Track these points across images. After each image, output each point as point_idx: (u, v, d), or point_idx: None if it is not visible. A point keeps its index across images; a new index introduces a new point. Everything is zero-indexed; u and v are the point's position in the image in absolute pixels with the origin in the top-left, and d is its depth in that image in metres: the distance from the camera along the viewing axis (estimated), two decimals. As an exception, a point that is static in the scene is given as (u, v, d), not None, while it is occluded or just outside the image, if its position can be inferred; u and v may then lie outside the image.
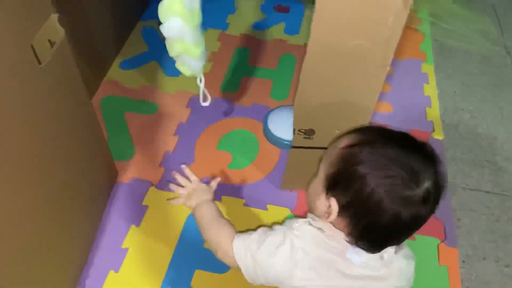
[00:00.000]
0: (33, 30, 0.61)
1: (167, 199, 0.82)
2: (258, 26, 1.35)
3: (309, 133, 0.82)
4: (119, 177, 0.95)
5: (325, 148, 0.84)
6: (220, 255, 0.64)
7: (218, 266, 0.74)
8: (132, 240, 0.86)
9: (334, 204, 0.55)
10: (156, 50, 1.24)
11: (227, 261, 0.63)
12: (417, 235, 0.88)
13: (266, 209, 0.92)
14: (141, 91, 1.14)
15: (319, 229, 0.57)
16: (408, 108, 1.14)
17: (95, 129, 0.85)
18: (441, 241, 0.88)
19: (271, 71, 1.21)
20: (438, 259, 0.86)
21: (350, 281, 0.55)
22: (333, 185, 0.56)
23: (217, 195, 0.92)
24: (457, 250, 0.87)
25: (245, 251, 0.60)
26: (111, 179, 0.94)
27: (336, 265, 0.55)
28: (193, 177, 0.80)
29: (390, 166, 0.51)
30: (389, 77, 1.21)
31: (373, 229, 0.54)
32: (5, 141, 0.60)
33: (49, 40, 0.66)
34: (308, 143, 0.84)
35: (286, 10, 1.42)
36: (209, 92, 0.78)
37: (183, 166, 0.81)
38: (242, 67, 1.22)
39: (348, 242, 0.55)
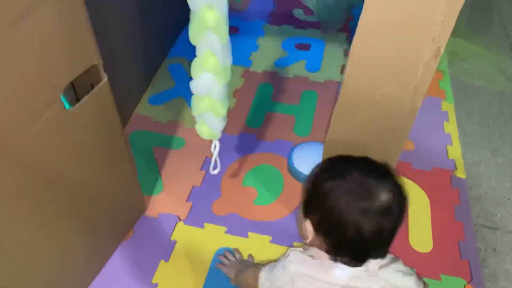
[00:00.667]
0: (76, 70, 0.65)
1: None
2: (280, 63, 1.39)
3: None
4: (147, 212, 0.98)
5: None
6: None
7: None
8: (162, 275, 0.87)
9: (308, 225, 0.61)
10: (183, 86, 1.29)
11: None
12: (443, 275, 0.89)
13: (292, 246, 0.93)
14: (169, 126, 1.17)
15: (310, 256, 0.62)
16: (429, 146, 1.16)
17: (128, 165, 0.88)
18: (468, 282, 0.88)
19: (294, 107, 1.25)
20: (465, 302, 0.86)
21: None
22: (307, 209, 0.62)
23: (244, 232, 0.94)
24: (483, 291, 0.87)
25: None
26: (138, 213, 0.97)
27: (323, 278, 0.61)
28: (237, 255, 0.90)
29: (349, 183, 0.57)
30: (409, 115, 1.24)
31: (343, 243, 0.59)
32: (42, 168, 0.64)
33: (91, 83, 0.71)
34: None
35: (307, 48, 1.47)
36: (234, 127, 0.81)
37: (231, 249, 0.91)
38: (266, 103, 1.26)
39: (331, 260, 0.60)
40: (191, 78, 0.75)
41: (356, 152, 0.80)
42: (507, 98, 1.33)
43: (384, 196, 0.56)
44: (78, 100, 0.68)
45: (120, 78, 1.13)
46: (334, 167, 0.62)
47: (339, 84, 1.32)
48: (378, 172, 0.59)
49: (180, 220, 0.96)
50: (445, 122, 1.23)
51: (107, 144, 0.80)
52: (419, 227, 0.98)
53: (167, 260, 0.90)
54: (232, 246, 0.92)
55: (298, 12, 1.63)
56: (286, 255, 0.65)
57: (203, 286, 0.86)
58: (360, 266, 0.60)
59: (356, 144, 0.78)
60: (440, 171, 1.10)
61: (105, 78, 0.72)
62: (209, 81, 0.69)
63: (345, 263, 0.60)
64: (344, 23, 1.53)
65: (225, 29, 0.63)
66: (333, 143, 0.79)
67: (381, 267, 0.60)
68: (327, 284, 0.61)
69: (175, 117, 1.20)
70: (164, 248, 0.91)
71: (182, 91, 1.27)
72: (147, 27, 1.23)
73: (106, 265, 0.88)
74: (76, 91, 0.74)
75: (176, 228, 0.95)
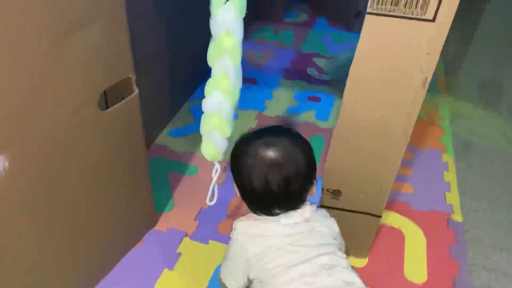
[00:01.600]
0: (113, 78, 0.77)
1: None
2: (292, 111, 1.51)
3: (336, 193, 0.91)
4: (157, 226, 1.04)
5: (351, 211, 0.93)
6: None
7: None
8: (165, 282, 0.92)
9: (237, 192, 0.75)
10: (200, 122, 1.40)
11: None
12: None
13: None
14: (185, 155, 1.27)
15: (250, 218, 0.74)
16: (428, 191, 1.22)
17: (144, 178, 0.97)
18: (460, 314, 0.90)
19: (302, 148, 1.34)
20: (457, 331, 0.87)
21: (284, 237, 0.70)
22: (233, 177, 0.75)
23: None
24: (475, 325, 0.89)
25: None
26: (148, 226, 1.03)
27: (269, 233, 0.71)
28: None
29: (249, 146, 0.72)
30: (410, 163, 1.31)
31: (253, 199, 0.73)
32: (68, 170, 0.73)
33: (123, 96, 0.82)
34: (335, 203, 0.92)
35: (317, 100, 1.59)
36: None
37: None
38: (276, 144, 1.35)
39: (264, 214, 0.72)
40: None
41: (353, 175, 0.87)
42: (506, 157, 1.40)
43: (272, 154, 0.70)
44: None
45: (146, 109, 1.26)
46: (244, 138, 0.75)
47: (345, 132, 1.42)
48: (277, 134, 0.74)
49: (186, 235, 1.02)
50: (444, 172, 1.30)
51: (130, 153, 0.89)
52: (414, 260, 1.01)
53: (171, 269, 0.95)
54: (233, 262, 0.97)
55: (311, 71, 1.78)
56: (233, 229, 0.74)
57: (202, 296, 0.90)
58: (276, 216, 0.72)
59: (354, 166, 0.86)
60: (438, 213, 1.14)
61: (136, 91, 0.84)
62: (220, 100, 0.78)
63: (266, 214, 0.72)
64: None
65: (239, 54, 0.75)
66: (332, 163, 0.87)
67: (311, 217, 0.73)
68: (275, 236, 0.70)
69: (192, 148, 1.30)
70: (169, 258, 0.97)
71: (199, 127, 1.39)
72: (175, 69, 1.37)
73: (113, 268, 0.94)
74: (107, 101, 0.85)
75: (182, 242, 1.01)
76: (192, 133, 1.37)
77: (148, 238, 1.01)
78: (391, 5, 0.68)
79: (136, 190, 0.96)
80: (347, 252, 0.79)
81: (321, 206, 0.93)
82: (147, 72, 1.19)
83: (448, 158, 1.35)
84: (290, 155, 0.71)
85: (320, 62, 1.84)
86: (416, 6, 0.67)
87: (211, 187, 0.89)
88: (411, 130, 0.80)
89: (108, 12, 0.70)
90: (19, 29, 0.57)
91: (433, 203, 1.17)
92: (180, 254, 0.98)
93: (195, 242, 1.01)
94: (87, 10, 0.66)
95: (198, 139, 1.35)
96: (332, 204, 0.92)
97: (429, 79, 0.73)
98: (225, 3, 0.70)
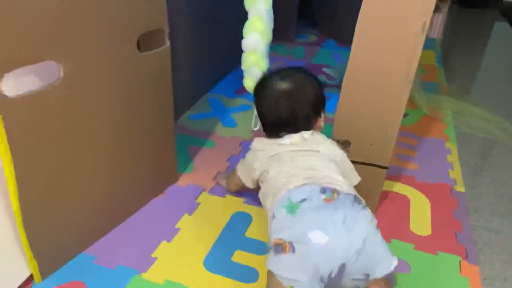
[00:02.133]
0: (150, 25, 0.88)
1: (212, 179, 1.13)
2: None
3: (346, 144, 0.99)
4: (177, 182, 1.13)
5: (360, 163, 1.00)
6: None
7: (256, 248, 0.89)
8: (185, 223, 0.99)
9: (257, 118, 0.95)
10: (218, 112, 1.51)
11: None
12: (439, 252, 0.96)
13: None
14: (203, 133, 1.37)
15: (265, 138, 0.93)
16: (432, 167, 1.29)
17: (170, 133, 1.06)
18: (463, 259, 0.95)
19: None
20: (460, 272, 0.91)
21: (285, 152, 0.86)
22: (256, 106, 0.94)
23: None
24: (478, 267, 0.93)
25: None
26: (170, 181, 1.11)
27: (275, 145, 0.88)
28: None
29: (268, 79, 0.92)
30: (415, 147, 1.39)
31: (267, 123, 0.91)
32: (107, 98, 0.83)
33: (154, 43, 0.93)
34: (345, 155, 1.00)
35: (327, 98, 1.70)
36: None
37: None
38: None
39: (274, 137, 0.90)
40: (226, 109, 1.13)
41: (362, 124, 0.96)
42: (506, 146, 1.47)
43: (283, 85, 0.87)
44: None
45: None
46: (265, 74, 0.95)
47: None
48: (292, 71, 0.91)
49: (205, 190, 1.10)
50: (447, 155, 1.37)
51: (159, 105, 0.99)
52: (419, 218, 1.07)
53: (190, 214, 1.02)
54: (248, 212, 1.04)
55: (321, 77, 1.91)
56: (252, 142, 0.93)
57: (219, 234, 0.96)
58: (282, 137, 0.88)
59: (362, 114, 0.95)
60: (441, 185, 1.21)
61: (168, 43, 0.95)
62: (257, 39, 0.93)
63: (276, 138, 0.89)
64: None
65: None
66: (342, 113, 0.96)
67: (312, 139, 0.88)
68: (279, 145, 0.88)
69: (210, 129, 1.40)
70: (189, 206, 1.04)
71: (217, 114, 1.49)
72: (199, 63, 1.50)
73: (139, 210, 1.01)
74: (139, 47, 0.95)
75: (201, 195, 1.09)
76: (210, 117, 1.47)
77: (170, 190, 1.09)
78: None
79: (162, 142, 1.04)
80: None
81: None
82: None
83: (451, 145, 1.43)
84: (300, 87, 0.88)
85: (328, 70, 1.96)
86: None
87: (254, 116, 1.06)
88: (413, 75, 0.89)
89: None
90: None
91: (437, 177, 1.24)
92: (199, 203, 1.05)
93: (213, 196, 1.09)
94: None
95: (215, 122, 1.47)
96: (341, 156, 1.00)
97: (427, 23, 0.84)
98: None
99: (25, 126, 0.70)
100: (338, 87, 1.83)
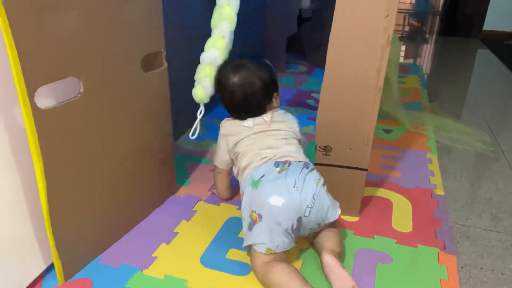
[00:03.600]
0: (151, 47, 1.01)
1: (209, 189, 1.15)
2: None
3: (327, 149, 1.09)
4: (176, 194, 1.21)
5: (341, 167, 1.10)
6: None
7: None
8: (182, 228, 1.07)
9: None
10: (214, 134, 1.61)
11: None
12: (419, 245, 1.04)
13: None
14: (200, 152, 1.47)
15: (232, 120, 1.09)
16: (414, 175, 1.38)
17: (169, 148, 1.16)
18: (441, 250, 1.02)
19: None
20: (438, 261, 0.99)
21: (251, 134, 1.02)
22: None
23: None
24: (455, 257, 1.00)
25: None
26: (170, 193, 1.20)
27: (241, 125, 1.04)
28: None
29: (222, 70, 1.06)
30: (398, 158, 1.48)
31: (228, 107, 1.07)
32: (115, 112, 0.95)
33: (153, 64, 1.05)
34: (326, 160, 1.09)
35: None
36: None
37: None
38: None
39: (238, 119, 1.06)
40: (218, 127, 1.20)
41: (340, 130, 1.06)
42: (484, 156, 1.57)
43: (236, 78, 1.02)
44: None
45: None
46: (221, 65, 1.07)
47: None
48: (243, 62, 1.04)
49: (201, 199, 1.19)
50: (428, 164, 1.46)
51: (160, 120, 1.10)
52: (401, 217, 1.15)
53: (187, 220, 1.10)
54: (241, 217, 1.12)
55: (310, 102, 2.03)
56: (220, 126, 1.09)
57: (214, 236, 1.04)
58: (248, 118, 1.04)
59: (340, 121, 1.05)
60: (422, 189, 1.30)
61: (165, 64, 1.07)
62: (215, 55, 1.05)
63: (240, 119, 1.05)
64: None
65: (234, 21, 1.02)
66: (321, 120, 1.07)
67: (271, 120, 1.04)
68: (244, 128, 1.04)
69: (205, 148, 1.50)
70: (187, 213, 1.13)
71: (212, 136, 1.60)
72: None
73: (142, 221, 1.10)
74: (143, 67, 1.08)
75: (198, 204, 1.17)
76: (205, 139, 1.58)
77: (169, 200, 1.18)
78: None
79: (163, 156, 1.14)
80: (341, 211, 0.99)
81: (315, 164, 1.10)
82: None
83: (432, 156, 1.53)
84: (250, 77, 1.02)
85: (317, 96, 2.09)
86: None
87: (197, 121, 1.18)
88: (381, 84, 1.00)
89: (150, -10, 0.96)
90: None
91: (418, 183, 1.33)
92: (196, 211, 1.14)
93: (209, 204, 1.17)
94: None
95: (211, 143, 1.57)
96: (324, 161, 1.10)
97: (391, 36, 0.96)
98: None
99: (53, 135, 0.80)
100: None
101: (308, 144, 1.20)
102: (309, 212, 0.90)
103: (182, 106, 1.57)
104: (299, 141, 1.06)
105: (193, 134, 1.18)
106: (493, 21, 3.80)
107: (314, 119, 1.93)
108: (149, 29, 0.99)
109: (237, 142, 1.03)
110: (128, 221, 1.06)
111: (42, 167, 0.78)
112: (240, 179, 1.00)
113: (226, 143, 1.06)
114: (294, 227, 0.89)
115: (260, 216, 0.88)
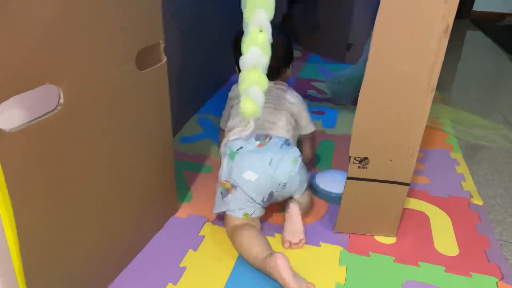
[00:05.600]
0: (148, 40, 0.79)
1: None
2: (299, 122, 1.53)
3: (364, 162, 0.90)
4: (177, 214, 1.01)
5: (379, 181, 0.92)
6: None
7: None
8: (190, 261, 0.87)
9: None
10: (210, 132, 1.41)
11: None
12: (473, 273, 0.88)
13: (319, 246, 0.94)
14: (198, 157, 1.26)
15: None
16: (444, 181, 1.22)
17: (169, 156, 0.96)
18: (499, 280, 0.87)
19: (314, 150, 1.34)
20: (500, 294, 0.84)
21: None
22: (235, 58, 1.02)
23: (271, 232, 0.96)
24: (517, 287, 0.85)
25: None
26: (169, 213, 1.00)
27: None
28: None
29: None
30: (421, 159, 1.32)
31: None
32: (108, 119, 0.72)
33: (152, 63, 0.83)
34: (362, 174, 0.91)
35: (321, 113, 1.63)
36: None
37: None
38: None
39: None
40: (217, 129, 1.14)
41: (381, 138, 0.88)
42: (510, 153, 1.43)
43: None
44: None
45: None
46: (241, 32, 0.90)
47: (353, 137, 1.44)
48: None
49: (208, 220, 0.99)
50: (456, 166, 1.31)
51: (158, 125, 0.89)
52: (443, 236, 0.99)
53: (195, 250, 0.90)
54: (259, 243, 0.93)
55: (312, 92, 1.84)
56: (231, 90, 1.12)
57: (230, 273, 0.85)
58: None
59: (381, 128, 0.87)
60: (457, 198, 1.14)
61: (165, 59, 0.85)
62: (258, 54, 0.82)
63: None
64: (353, 99, 1.71)
65: (273, 5, 0.79)
66: (359, 128, 0.87)
67: (273, 87, 1.05)
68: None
69: (204, 151, 1.29)
70: (193, 240, 0.93)
71: (210, 135, 1.39)
72: (185, 83, 1.40)
73: (141, 251, 0.89)
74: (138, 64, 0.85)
75: (205, 226, 0.98)
76: (202, 139, 1.37)
77: (170, 223, 0.98)
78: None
79: (162, 169, 0.94)
80: (376, 231, 0.96)
81: (347, 178, 0.92)
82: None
83: (456, 155, 1.37)
84: (276, 42, 0.88)
85: (318, 85, 1.90)
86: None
87: (249, 130, 0.94)
88: (435, 83, 0.82)
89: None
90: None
91: (451, 190, 1.17)
92: (203, 236, 0.94)
93: (218, 226, 0.98)
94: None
95: (209, 144, 1.37)
96: (359, 174, 0.91)
97: (451, 26, 0.77)
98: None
99: (24, 165, 0.58)
100: (331, 101, 1.79)
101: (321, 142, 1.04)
102: (282, 189, 0.94)
103: (174, 100, 1.35)
104: (293, 117, 1.06)
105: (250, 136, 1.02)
106: (483, 1, 3.68)
107: (320, 113, 1.80)
108: (145, 16, 0.77)
109: (233, 105, 1.07)
110: (122, 257, 0.85)
111: (11, 210, 0.56)
112: (224, 139, 1.02)
113: (228, 105, 1.10)
114: (265, 199, 0.93)
115: (233, 186, 0.92)
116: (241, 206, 0.91)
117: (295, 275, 0.79)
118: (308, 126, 1.11)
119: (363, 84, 0.84)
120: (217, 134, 1.26)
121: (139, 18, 0.75)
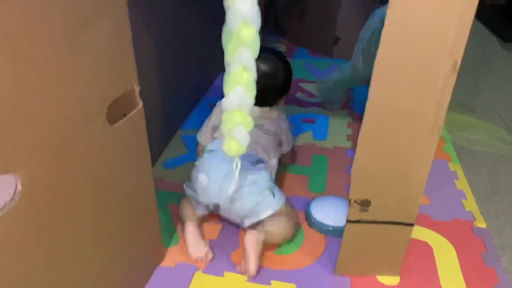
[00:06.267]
0: (120, 88, 0.69)
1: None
2: (289, 134, 1.44)
3: (365, 204, 0.83)
4: (163, 263, 0.93)
5: (381, 223, 0.85)
6: None
7: None
8: (181, 323, 0.80)
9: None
10: (195, 152, 1.31)
11: None
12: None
13: (318, 293, 0.87)
14: (183, 186, 1.17)
15: None
16: (444, 200, 1.16)
17: (151, 202, 0.87)
18: (512, 325, 0.82)
19: (305, 168, 1.27)
20: None
21: None
22: None
23: (267, 280, 0.89)
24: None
25: None
26: (155, 263, 0.92)
27: None
28: None
29: None
30: (419, 174, 1.25)
31: None
32: (79, 192, 0.63)
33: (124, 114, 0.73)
34: (363, 216, 0.84)
35: (312, 121, 1.54)
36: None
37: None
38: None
39: None
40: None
41: (383, 180, 0.80)
42: (507, 159, 1.38)
43: (265, 64, 1.03)
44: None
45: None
46: None
47: (347, 150, 1.36)
48: (268, 54, 1.06)
49: (198, 269, 0.91)
50: (455, 180, 1.25)
51: (137, 176, 0.80)
52: (449, 272, 0.93)
53: (186, 309, 0.83)
54: (255, 294, 0.86)
55: (300, 95, 1.74)
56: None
57: (226, 334, 0.78)
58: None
59: (383, 169, 0.79)
60: (460, 221, 1.08)
61: (141, 103, 0.75)
62: (242, 95, 0.73)
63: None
64: (343, 102, 1.63)
65: (258, 44, 0.69)
66: (359, 169, 0.80)
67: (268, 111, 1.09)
68: None
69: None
70: (183, 296, 0.85)
71: (195, 157, 1.29)
72: (165, 99, 1.30)
73: (120, 314, 0.81)
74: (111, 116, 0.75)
75: (195, 277, 0.90)
76: (187, 162, 1.28)
77: (157, 275, 0.89)
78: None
79: (144, 218, 0.85)
80: (379, 271, 0.90)
81: (347, 221, 0.85)
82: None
83: (455, 167, 1.31)
84: (277, 70, 1.07)
85: (306, 86, 1.81)
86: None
87: (236, 173, 0.87)
88: (442, 122, 0.74)
89: (113, 7, 0.63)
90: (32, 24, 0.48)
91: (452, 212, 1.11)
92: (194, 290, 0.87)
93: (209, 276, 0.90)
94: (95, 5, 0.59)
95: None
96: (360, 217, 0.84)
97: (459, 62, 0.69)
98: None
99: None
100: (321, 105, 1.70)
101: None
102: (229, 204, 0.92)
103: (152, 124, 1.25)
104: (277, 140, 1.09)
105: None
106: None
107: (310, 121, 1.71)
108: (116, 63, 0.67)
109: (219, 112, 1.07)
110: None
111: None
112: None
113: (210, 122, 1.11)
114: (211, 208, 0.95)
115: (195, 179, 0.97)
116: (197, 197, 0.97)
117: (198, 241, 0.93)
118: (287, 147, 1.14)
119: (364, 120, 0.76)
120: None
121: (107, 68, 0.65)
